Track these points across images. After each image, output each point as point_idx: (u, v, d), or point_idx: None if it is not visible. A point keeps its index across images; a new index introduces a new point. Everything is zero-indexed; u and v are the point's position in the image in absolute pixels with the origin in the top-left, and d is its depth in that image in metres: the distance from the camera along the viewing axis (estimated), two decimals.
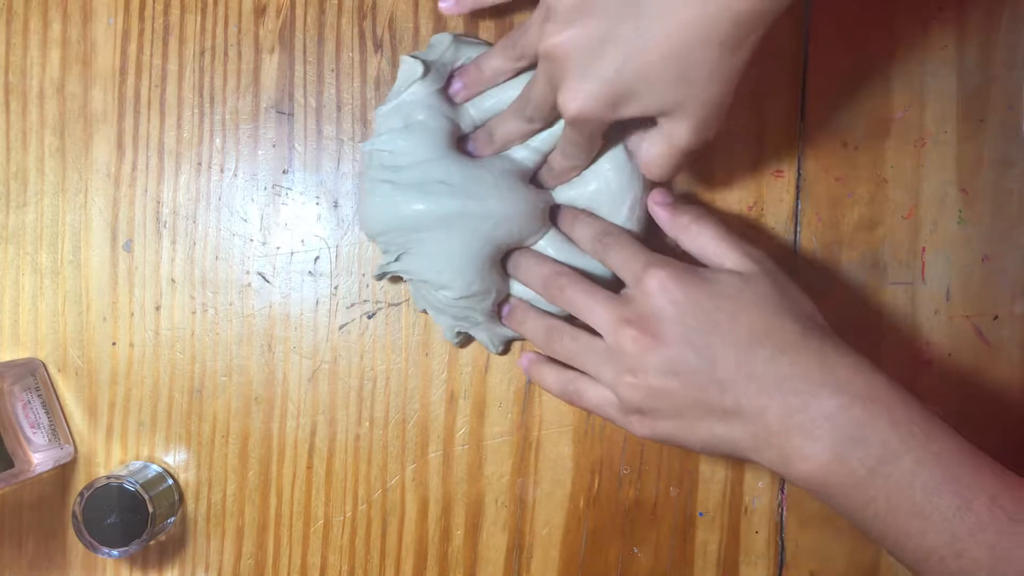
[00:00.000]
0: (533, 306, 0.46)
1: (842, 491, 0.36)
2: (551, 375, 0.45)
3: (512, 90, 0.45)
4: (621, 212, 0.45)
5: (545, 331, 0.44)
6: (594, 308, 0.41)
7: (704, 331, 0.38)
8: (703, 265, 0.42)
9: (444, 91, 0.45)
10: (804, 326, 0.38)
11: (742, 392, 0.37)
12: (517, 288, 0.47)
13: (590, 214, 0.45)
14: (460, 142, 0.46)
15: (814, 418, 0.36)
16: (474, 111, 0.46)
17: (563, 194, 0.46)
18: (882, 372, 0.37)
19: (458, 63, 0.46)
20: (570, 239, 0.46)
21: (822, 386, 0.36)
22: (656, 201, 0.44)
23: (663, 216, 0.44)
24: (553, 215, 0.46)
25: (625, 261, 0.41)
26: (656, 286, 0.39)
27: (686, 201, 0.42)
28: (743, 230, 0.49)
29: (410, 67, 0.45)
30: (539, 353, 0.46)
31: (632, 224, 0.46)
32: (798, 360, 0.37)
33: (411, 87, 0.44)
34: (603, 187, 0.45)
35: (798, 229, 0.49)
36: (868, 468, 0.35)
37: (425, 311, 0.49)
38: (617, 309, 0.40)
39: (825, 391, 0.36)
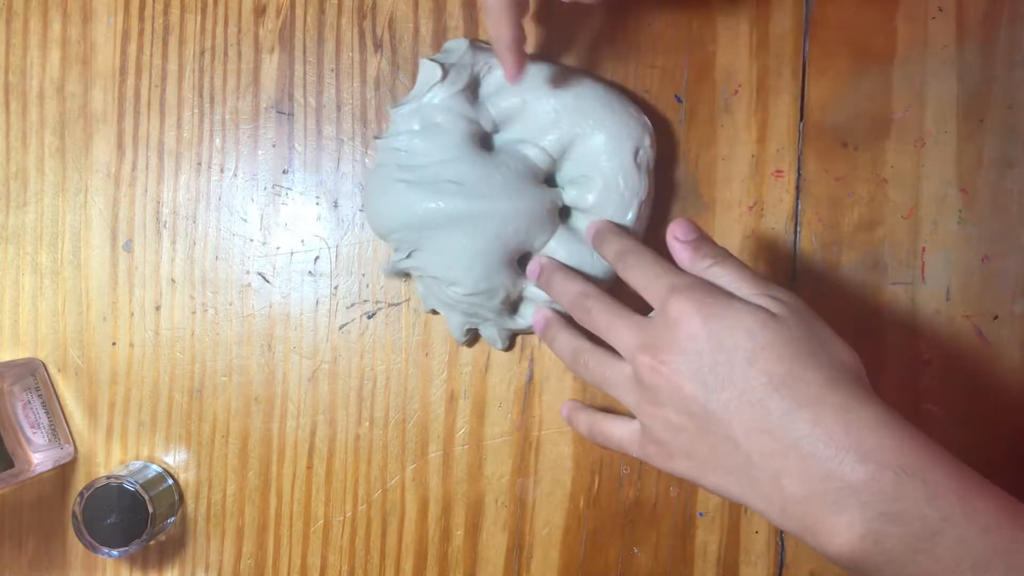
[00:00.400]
0: (566, 323, 0.45)
1: (879, 569, 0.33)
2: (583, 423, 0.45)
3: (531, 92, 0.46)
4: (627, 214, 0.46)
5: (572, 352, 0.43)
6: (618, 331, 0.39)
7: (719, 374, 0.35)
8: None
9: (463, 93, 0.45)
10: (830, 375, 0.35)
11: (755, 448, 0.34)
12: (532, 288, 0.47)
13: (614, 228, 0.44)
14: (483, 141, 0.46)
15: (839, 489, 0.32)
16: (494, 110, 0.46)
17: (571, 194, 0.46)
18: (912, 427, 0.34)
19: (476, 67, 0.46)
20: (579, 239, 0.46)
21: (846, 451, 0.33)
22: (677, 236, 0.40)
23: (683, 256, 0.40)
24: (564, 214, 0.47)
25: (649, 283, 0.39)
26: (676, 315, 0.37)
27: (700, 235, 0.41)
28: (743, 230, 0.49)
29: (430, 70, 0.45)
30: (577, 402, 0.47)
31: (637, 226, 0.46)
32: (820, 417, 0.33)
33: (431, 90, 0.45)
34: (611, 187, 0.45)
35: (798, 229, 0.49)
36: (907, 545, 0.32)
37: (434, 311, 0.49)
38: (639, 335, 0.38)
39: (850, 458, 0.32)
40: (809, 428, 0.33)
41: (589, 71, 0.48)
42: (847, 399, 0.34)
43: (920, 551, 0.32)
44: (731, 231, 0.49)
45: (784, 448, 0.34)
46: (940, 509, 0.32)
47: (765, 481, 0.34)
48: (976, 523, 0.31)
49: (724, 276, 0.39)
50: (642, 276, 0.40)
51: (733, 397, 0.35)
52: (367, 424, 0.51)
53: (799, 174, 0.49)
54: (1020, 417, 0.48)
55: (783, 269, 0.49)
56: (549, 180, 0.47)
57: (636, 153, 0.45)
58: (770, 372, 0.35)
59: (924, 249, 0.48)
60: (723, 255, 0.40)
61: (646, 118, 0.46)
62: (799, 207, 0.49)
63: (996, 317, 0.48)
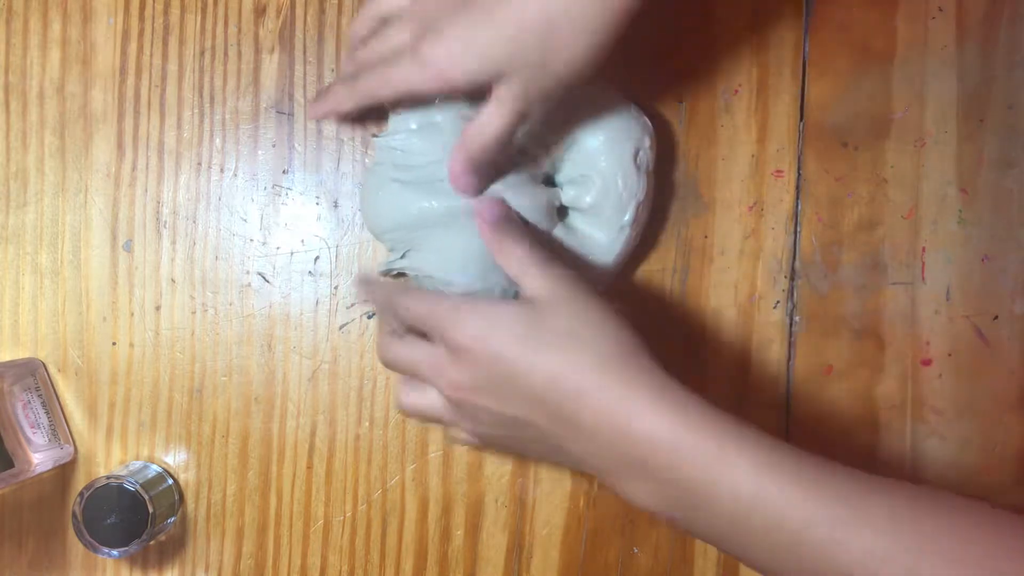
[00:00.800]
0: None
1: (676, 520, 0.36)
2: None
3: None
4: (624, 215, 0.46)
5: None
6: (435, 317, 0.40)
7: (499, 383, 0.38)
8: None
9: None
10: (597, 360, 0.36)
11: (557, 435, 0.37)
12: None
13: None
14: None
15: (628, 464, 0.36)
16: None
17: (569, 193, 0.46)
18: (685, 394, 0.36)
19: None
20: (577, 238, 0.46)
21: (625, 434, 0.35)
22: (481, 215, 0.41)
23: (484, 233, 0.41)
24: (561, 213, 0.47)
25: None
26: (461, 329, 0.38)
27: (510, 217, 0.42)
28: (743, 230, 0.49)
29: None
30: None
31: (635, 227, 0.46)
32: (597, 404, 0.36)
33: None
34: (610, 188, 0.45)
35: (798, 229, 0.49)
36: (690, 504, 0.35)
37: None
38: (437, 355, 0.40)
39: (629, 439, 0.35)
40: (592, 417, 0.36)
41: None
42: (618, 383, 0.36)
43: (699, 508, 0.34)
44: (731, 231, 0.49)
45: (575, 435, 0.36)
46: (707, 472, 0.34)
47: (572, 459, 0.38)
48: (740, 478, 0.33)
49: (510, 255, 0.40)
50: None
51: (523, 403, 0.37)
52: (367, 424, 0.51)
53: (799, 174, 0.49)
54: (1020, 417, 0.48)
55: (783, 269, 0.49)
56: (548, 179, 0.47)
57: (636, 154, 0.45)
58: (541, 370, 0.36)
59: (924, 249, 0.48)
60: (512, 233, 0.41)
61: (646, 119, 0.46)
62: (799, 207, 0.49)
63: (996, 317, 0.48)
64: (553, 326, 0.37)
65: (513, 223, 0.42)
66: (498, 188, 0.44)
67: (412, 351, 0.41)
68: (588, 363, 0.36)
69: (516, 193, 0.44)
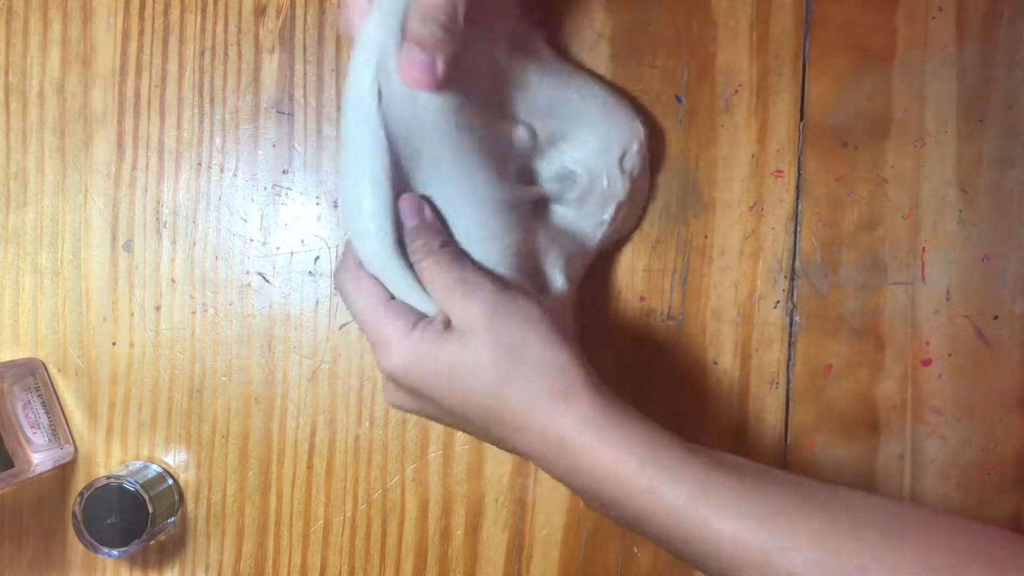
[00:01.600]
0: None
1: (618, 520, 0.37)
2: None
3: (536, 74, 0.44)
4: (603, 213, 0.46)
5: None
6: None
7: (431, 407, 0.39)
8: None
9: None
10: (531, 396, 0.36)
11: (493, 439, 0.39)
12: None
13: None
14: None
15: (568, 477, 0.37)
16: None
17: (553, 187, 0.46)
18: (621, 414, 0.36)
19: None
20: (555, 218, 0.46)
21: (556, 464, 0.36)
22: (405, 215, 0.38)
23: (407, 240, 0.38)
24: (541, 206, 0.46)
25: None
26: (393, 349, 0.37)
27: (421, 220, 0.38)
28: (743, 230, 0.49)
29: None
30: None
31: (611, 227, 0.46)
32: (528, 441, 0.36)
33: None
34: (594, 186, 0.45)
35: (798, 229, 0.49)
36: (630, 511, 0.35)
37: None
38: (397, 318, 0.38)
39: (562, 466, 0.36)
40: (526, 448, 0.37)
41: (593, 70, 0.48)
42: (547, 416, 0.36)
43: (640, 528, 0.35)
44: (731, 231, 0.49)
45: (512, 446, 0.37)
46: (632, 502, 0.34)
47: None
48: (668, 511, 0.34)
49: (431, 278, 0.38)
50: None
51: (456, 420, 0.38)
52: (367, 424, 0.51)
53: (799, 174, 0.49)
54: (1020, 417, 0.48)
55: (783, 269, 0.49)
56: (529, 171, 0.46)
57: (622, 157, 0.46)
58: (471, 403, 0.37)
59: (924, 249, 0.48)
60: (432, 251, 0.38)
61: (639, 123, 0.46)
62: (799, 207, 0.49)
63: (996, 317, 0.48)
64: (478, 359, 0.36)
65: (434, 233, 0.39)
66: (468, 112, 0.40)
67: (361, 307, 0.39)
68: (516, 400, 0.36)
69: (489, 132, 0.42)
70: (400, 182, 0.38)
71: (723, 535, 0.33)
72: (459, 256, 0.39)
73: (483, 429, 0.38)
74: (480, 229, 0.41)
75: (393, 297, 0.38)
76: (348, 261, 0.39)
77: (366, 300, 0.38)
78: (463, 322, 0.37)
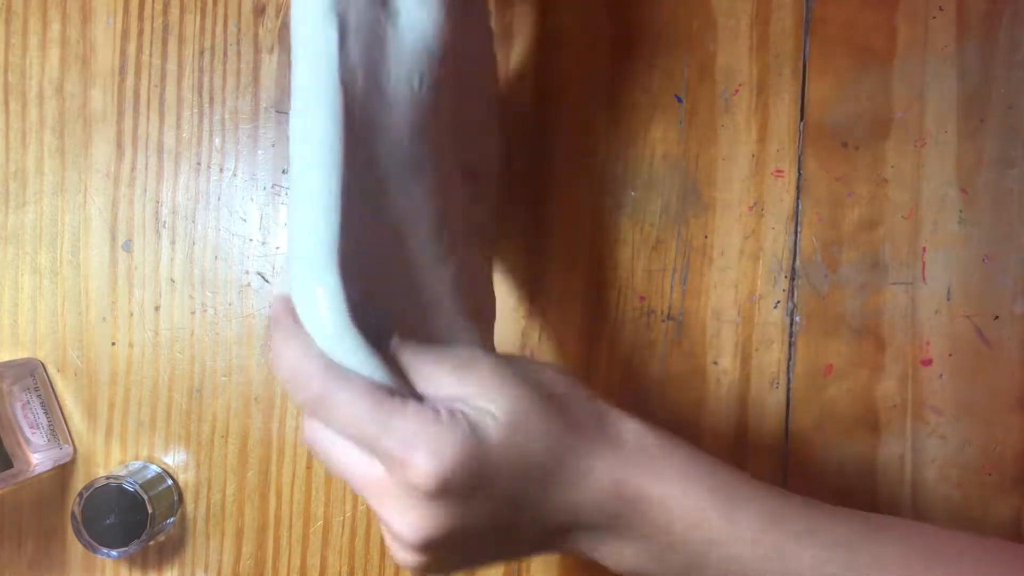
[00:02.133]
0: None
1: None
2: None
3: None
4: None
5: None
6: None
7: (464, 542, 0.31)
8: None
9: None
10: (533, 526, 0.31)
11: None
12: None
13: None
14: None
15: (610, 553, 0.32)
16: None
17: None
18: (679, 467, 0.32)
19: None
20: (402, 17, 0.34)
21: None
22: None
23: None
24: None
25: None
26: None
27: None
28: (743, 230, 0.49)
29: None
30: None
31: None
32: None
33: None
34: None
35: (798, 229, 0.49)
36: (677, 572, 0.32)
37: None
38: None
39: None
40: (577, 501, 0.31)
41: None
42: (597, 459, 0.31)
43: (692, 567, 0.31)
44: (731, 231, 0.49)
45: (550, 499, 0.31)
46: (702, 530, 0.31)
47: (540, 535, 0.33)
48: (741, 538, 0.31)
49: (410, 364, 0.31)
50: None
51: (508, 522, 0.31)
52: None
53: (799, 174, 0.49)
54: (1020, 417, 0.48)
55: (783, 269, 0.49)
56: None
57: None
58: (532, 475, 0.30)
59: (924, 249, 0.48)
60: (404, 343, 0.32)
61: None
62: (799, 207, 0.49)
63: (996, 317, 0.48)
64: (527, 436, 0.30)
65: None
66: None
67: (346, 457, 0.30)
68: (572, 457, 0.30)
69: None
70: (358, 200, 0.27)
71: (802, 562, 0.31)
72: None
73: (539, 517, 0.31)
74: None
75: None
76: (290, 330, 0.31)
77: (355, 391, 0.29)
78: (487, 399, 0.30)
